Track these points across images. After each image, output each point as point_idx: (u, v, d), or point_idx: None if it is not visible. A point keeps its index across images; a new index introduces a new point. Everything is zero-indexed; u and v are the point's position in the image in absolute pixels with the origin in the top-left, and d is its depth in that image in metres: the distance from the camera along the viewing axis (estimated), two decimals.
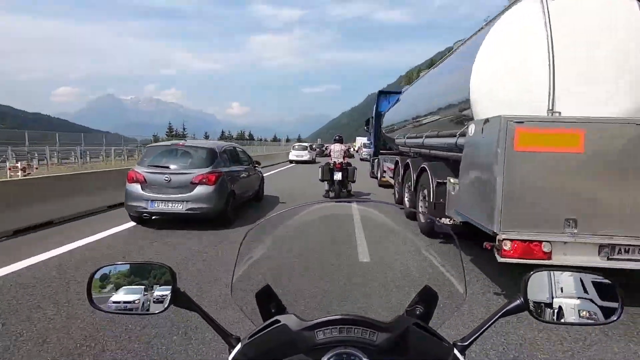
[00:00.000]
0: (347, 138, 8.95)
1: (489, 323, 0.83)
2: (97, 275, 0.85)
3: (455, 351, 0.77)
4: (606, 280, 0.83)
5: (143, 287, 0.85)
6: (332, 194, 9.32)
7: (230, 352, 0.81)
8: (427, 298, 0.96)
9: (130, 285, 0.85)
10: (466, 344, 0.82)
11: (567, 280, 0.84)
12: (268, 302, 0.95)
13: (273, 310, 0.93)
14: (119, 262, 0.89)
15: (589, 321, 0.83)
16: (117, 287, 0.85)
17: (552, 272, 0.84)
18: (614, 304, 0.82)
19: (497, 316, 0.83)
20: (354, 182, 9.69)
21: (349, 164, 9.60)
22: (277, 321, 0.79)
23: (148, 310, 0.85)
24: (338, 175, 9.24)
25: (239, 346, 0.80)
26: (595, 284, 0.83)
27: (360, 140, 55.68)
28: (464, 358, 0.78)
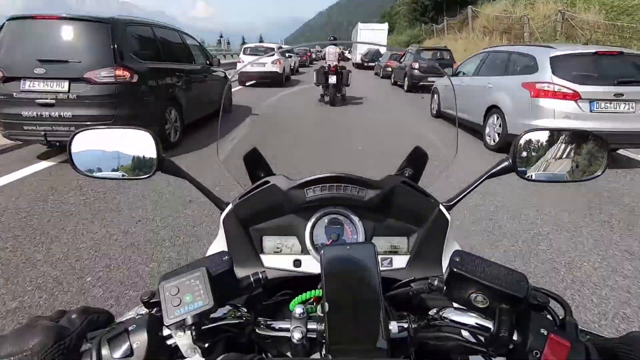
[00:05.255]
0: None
1: (476, 184, 0.84)
2: (77, 139, 0.81)
3: (441, 206, 0.79)
4: (596, 136, 0.82)
5: (126, 152, 0.82)
6: (326, 98, 9.07)
7: (221, 215, 0.82)
8: (417, 159, 0.96)
9: (113, 150, 0.82)
10: (452, 203, 0.84)
11: (556, 139, 0.83)
12: (256, 166, 0.95)
13: (262, 175, 0.94)
14: (100, 127, 0.84)
15: (574, 178, 0.84)
16: (98, 152, 0.82)
17: (542, 132, 0.82)
18: (600, 160, 0.81)
19: (484, 177, 0.83)
20: (348, 85, 9.35)
21: (343, 67, 9.17)
22: (267, 182, 0.79)
23: (133, 175, 0.83)
24: (332, 79, 8.87)
25: (230, 206, 0.81)
26: (585, 141, 0.82)
27: (360, 50, 35.05)
28: (449, 213, 0.80)
